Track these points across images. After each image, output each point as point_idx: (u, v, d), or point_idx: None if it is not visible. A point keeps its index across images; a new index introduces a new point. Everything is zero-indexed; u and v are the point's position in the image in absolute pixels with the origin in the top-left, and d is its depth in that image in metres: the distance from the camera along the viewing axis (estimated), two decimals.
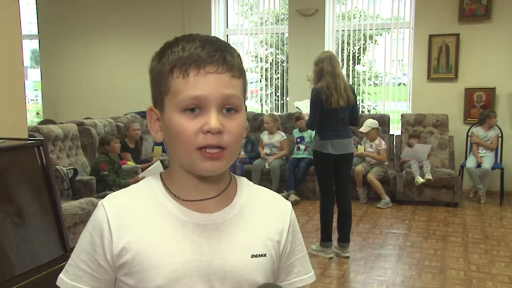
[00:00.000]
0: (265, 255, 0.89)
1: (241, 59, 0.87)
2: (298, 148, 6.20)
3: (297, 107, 4.50)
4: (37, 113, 9.79)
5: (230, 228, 0.88)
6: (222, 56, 0.82)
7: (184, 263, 0.84)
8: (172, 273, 0.83)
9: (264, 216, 0.92)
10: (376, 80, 7.89)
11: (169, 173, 0.91)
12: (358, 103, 4.41)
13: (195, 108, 0.81)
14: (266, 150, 6.33)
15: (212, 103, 0.81)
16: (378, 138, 5.93)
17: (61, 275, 0.89)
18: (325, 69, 3.85)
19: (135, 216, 0.86)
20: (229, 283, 0.85)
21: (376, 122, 5.92)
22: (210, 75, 0.81)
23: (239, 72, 0.84)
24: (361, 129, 5.75)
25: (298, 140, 6.23)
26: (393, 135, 6.44)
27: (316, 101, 3.82)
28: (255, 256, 0.88)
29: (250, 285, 0.87)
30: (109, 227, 0.84)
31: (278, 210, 0.95)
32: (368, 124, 5.82)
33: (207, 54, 0.81)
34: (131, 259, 0.84)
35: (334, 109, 3.83)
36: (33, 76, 13.96)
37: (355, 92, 4.08)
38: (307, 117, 4.08)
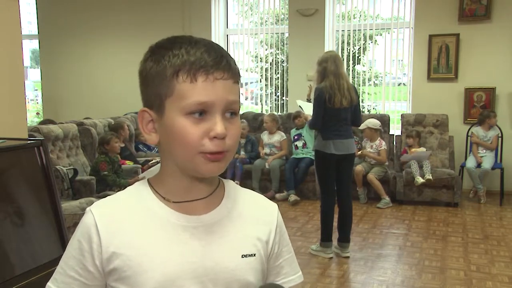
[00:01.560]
0: (254, 255, 0.90)
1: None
2: (296, 147, 6.20)
3: (299, 105, 4.49)
4: (37, 113, 9.79)
5: (220, 229, 0.88)
6: (228, 62, 0.83)
7: (176, 266, 0.84)
8: (165, 276, 0.83)
9: (252, 217, 0.93)
10: (376, 80, 7.89)
11: (159, 176, 0.91)
12: (359, 103, 4.41)
13: (200, 112, 0.81)
14: (266, 150, 6.33)
15: (217, 108, 0.82)
16: (379, 138, 5.92)
17: (49, 283, 0.88)
18: (329, 69, 3.84)
19: (124, 221, 0.86)
20: (221, 284, 0.86)
21: (376, 123, 5.88)
22: (218, 81, 0.82)
23: (238, 78, 0.86)
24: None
25: (296, 137, 6.22)
26: (393, 135, 6.44)
27: (319, 100, 3.82)
28: (245, 256, 0.89)
29: (242, 285, 0.88)
30: (98, 232, 0.84)
31: (265, 211, 0.97)
32: (365, 123, 5.80)
33: (214, 60, 0.82)
34: (122, 264, 0.83)
35: (337, 109, 3.82)
36: (33, 76, 13.96)
37: (357, 92, 4.08)
38: (309, 118, 4.08)
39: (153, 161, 5.78)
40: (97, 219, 0.85)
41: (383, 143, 5.89)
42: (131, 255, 0.83)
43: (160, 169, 0.91)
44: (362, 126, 5.75)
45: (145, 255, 0.83)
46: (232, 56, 0.87)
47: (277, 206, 0.99)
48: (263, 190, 5.95)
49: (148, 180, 0.91)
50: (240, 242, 0.89)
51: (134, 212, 0.87)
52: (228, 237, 0.88)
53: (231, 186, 0.95)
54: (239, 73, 0.87)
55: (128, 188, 0.92)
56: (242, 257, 0.88)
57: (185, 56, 0.81)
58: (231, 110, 0.84)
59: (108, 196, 0.92)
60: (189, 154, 0.82)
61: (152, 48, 0.86)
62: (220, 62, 0.82)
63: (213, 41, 0.89)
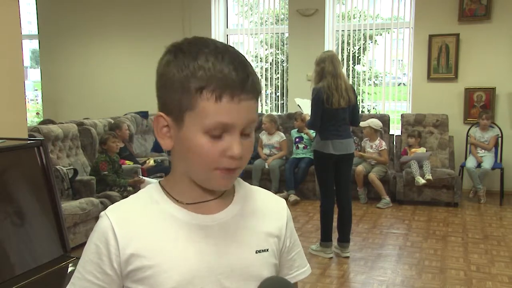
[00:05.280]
0: (267, 250, 0.92)
1: None
2: (297, 147, 6.21)
3: (298, 104, 4.49)
4: (37, 113, 9.79)
5: (233, 227, 0.90)
6: (253, 82, 0.82)
7: (193, 265, 0.85)
8: (183, 276, 0.84)
9: (263, 213, 0.95)
10: (376, 80, 7.88)
11: (170, 179, 0.92)
12: (358, 103, 4.42)
13: (219, 131, 0.81)
14: (266, 151, 6.33)
15: (237, 129, 0.82)
16: (379, 139, 5.93)
17: None
18: (327, 69, 3.84)
19: (140, 223, 0.87)
20: (237, 280, 0.88)
21: (378, 123, 5.87)
22: (242, 102, 0.81)
23: (260, 95, 0.86)
24: (361, 124, 5.70)
25: (297, 140, 6.23)
26: (393, 135, 6.44)
27: (317, 100, 3.82)
28: (259, 251, 0.91)
29: (257, 280, 0.90)
30: (115, 235, 0.85)
31: (275, 207, 0.99)
32: (368, 122, 5.81)
33: (241, 80, 0.80)
34: (141, 265, 0.85)
35: (335, 109, 3.82)
36: (33, 76, 13.96)
37: (355, 92, 4.08)
38: (308, 118, 4.08)
39: (148, 160, 5.78)
40: (113, 223, 0.86)
41: (383, 143, 5.89)
42: (149, 256, 0.84)
43: (171, 172, 0.92)
44: (364, 124, 5.75)
45: (163, 255, 0.85)
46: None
47: (285, 201, 1.02)
48: None
49: (159, 182, 0.92)
50: (253, 238, 0.91)
51: (148, 213, 0.88)
52: (241, 234, 0.90)
53: (241, 184, 0.97)
54: (261, 89, 0.86)
55: (141, 191, 0.93)
56: (256, 253, 0.90)
57: (212, 71, 0.79)
58: (248, 129, 0.84)
59: (121, 200, 0.93)
60: (204, 169, 0.83)
61: (174, 51, 0.83)
62: (246, 82, 0.81)
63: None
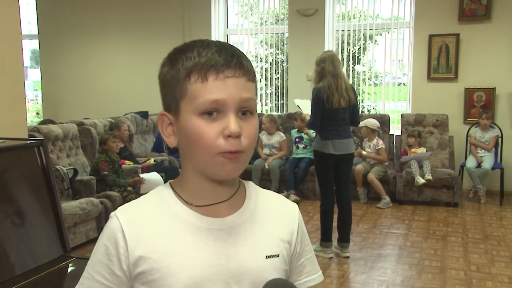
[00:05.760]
0: (278, 255, 0.91)
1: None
2: (297, 147, 6.21)
3: (297, 105, 4.49)
4: (37, 113, 9.79)
5: (243, 231, 0.89)
6: (239, 60, 0.84)
7: (202, 268, 0.85)
8: (191, 279, 0.84)
9: (274, 218, 0.94)
10: (376, 80, 7.89)
11: (180, 180, 0.91)
12: (358, 103, 4.42)
13: (213, 111, 0.82)
14: (266, 151, 6.33)
15: (230, 107, 0.82)
16: (376, 138, 5.93)
17: None
18: (327, 69, 3.84)
19: (149, 225, 0.87)
20: (246, 285, 0.87)
21: (375, 123, 5.88)
22: (229, 79, 0.82)
23: (253, 76, 0.86)
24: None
25: (297, 140, 6.23)
26: (393, 135, 6.44)
27: (318, 100, 3.82)
28: (269, 257, 0.90)
29: None
30: (124, 237, 0.85)
31: (287, 212, 0.97)
32: (364, 122, 5.81)
33: (224, 59, 0.82)
34: (149, 267, 0.84)
35: (335, 109, 3.82)
36: (33, 76, 13.97)
37: (355, 92, 4.08)
38: (308, 118, 4.08)
39: (149, 161, 5.77)
40: (123, 224, 0.86)
41: (380, 142, 5.90)
42: (158, 259, 0.84)
43: (181, 172, 0.92)
44: (361, 124, 5.75)
45: (172, 258, 0.84)
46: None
47: (297, 206, 1.00)
48: None
49: (170, 183, 0.92)
50: (263, 243, 0.90)
51: (158, 216, 0.87)
52: (252, 238, 0.89)
53: (252, 187, 0.96)
54: (253, 71, 0.87)
55: (151, 192, 0.92)
56: (266, 258, 0.89)
57: (196, 58, 0.82)
58: (245, 109, 0.84)
59: (132, 201, 0.92)
60: (207, 155, 0.83)
61: (170, 53, 0.88)
62: (230, 61, 0.82)
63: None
